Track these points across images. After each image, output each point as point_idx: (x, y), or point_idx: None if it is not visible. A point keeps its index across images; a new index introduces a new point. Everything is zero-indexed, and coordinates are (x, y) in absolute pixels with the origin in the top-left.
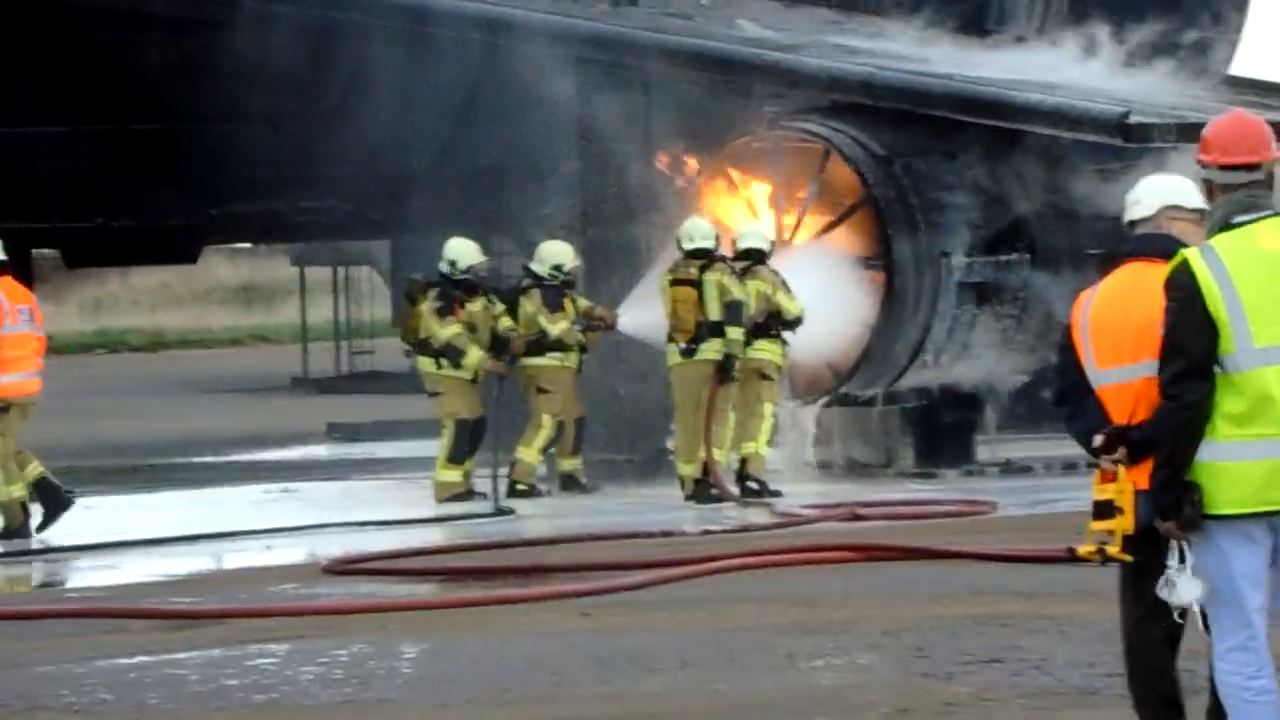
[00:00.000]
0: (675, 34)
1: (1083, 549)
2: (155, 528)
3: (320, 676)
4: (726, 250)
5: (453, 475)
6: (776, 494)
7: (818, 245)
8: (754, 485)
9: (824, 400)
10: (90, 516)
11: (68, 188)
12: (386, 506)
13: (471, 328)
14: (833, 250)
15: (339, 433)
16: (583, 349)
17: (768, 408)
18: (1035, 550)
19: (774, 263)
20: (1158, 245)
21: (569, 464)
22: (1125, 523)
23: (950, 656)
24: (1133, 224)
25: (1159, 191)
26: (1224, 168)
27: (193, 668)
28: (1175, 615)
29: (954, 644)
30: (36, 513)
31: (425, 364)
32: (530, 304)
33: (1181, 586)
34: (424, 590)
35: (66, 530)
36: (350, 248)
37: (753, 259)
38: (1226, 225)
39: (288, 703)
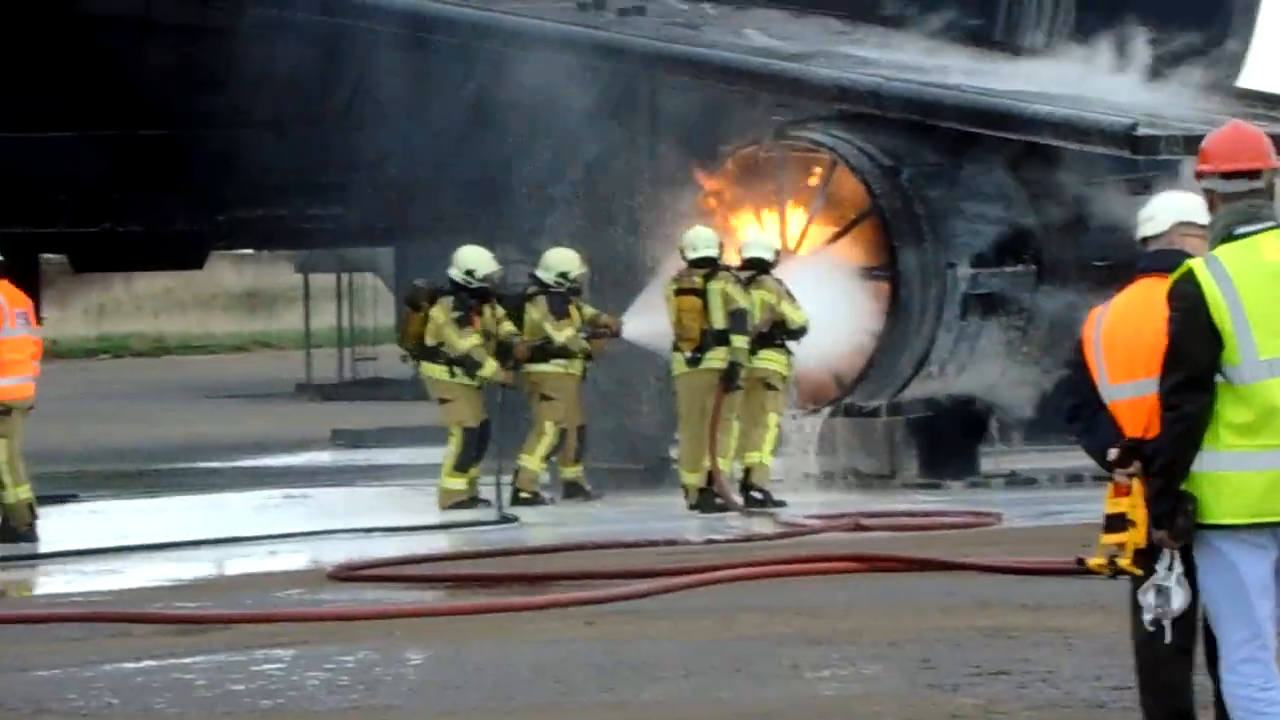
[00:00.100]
0: (682, 43)
1: (1093, 561)
2: (159, 532)
3: (326, 682)
4: (732, 259)
5: (458, 483)
6: (780, 504)
7: (823, 255)
8: (758, 495)
9: (828, 410)
10: (94, 521)
11: (75, 193)
12: (391, 513)
13: (484, 336)
14: (838, 260)
15: (343, 439)
16: (587, 356)
17: (772, 417)
18: (1041, 562)
19: (779, 272)
20: (1170, 261)
21: (571, 472)
22: (1137, 536)
23: (956, 668)
24: (1145, 240)
25: (1172, 208)
26: (1225, 176)
27: (199, 672)
28: (1148, 623)
29: (960, 655)
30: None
31: (435, 371)
32: (536, 311)
33: (1172, 595)
34: (429, 597)
35: (72, 534)
36: (354, 254)
37: (757, 268)
38: (1229, 236)
39: (294, 708)
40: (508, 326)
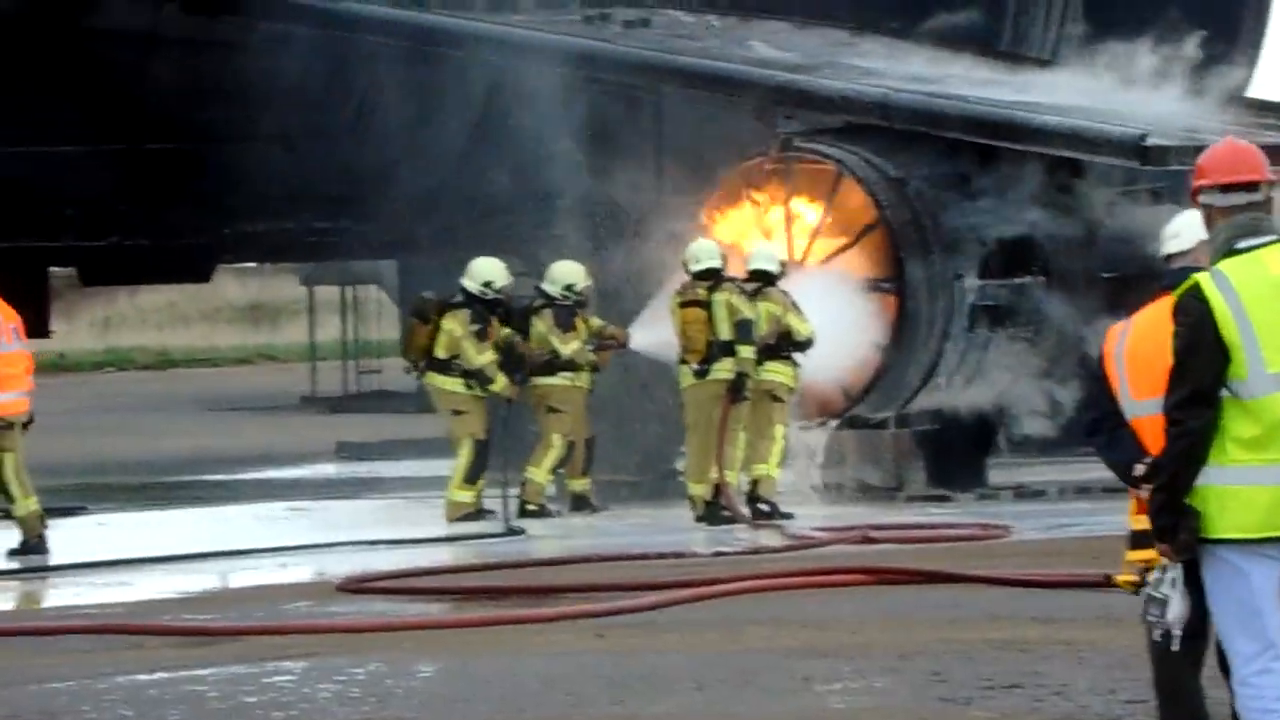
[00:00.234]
0: (687, 55)
1: (1120, 578)
2: (167, 545)
3: (338, 694)
4: (737, 271)
5: (467, 495)
6: (787, 516)
7: (830, 267)
8: (765, 507)
9: (835, 423)
10: (103, 533)
11: (83, 206)
12: (396, 525)
13: (497, 349)
14: (845, 272)
15: (348, 451)
16: (594, 369)
17: (779, 429)
18: (1052, 575)
19: (785, 284)
20: None
21: (579, 485)
22: None
23: (968, 681)
24: (1169, 257)
25: (1196, 225)
26: (1224, 189)
27: (211, 684)
28: (1158, 635)
29: (971, 669)
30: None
31: (448, 383)
32: (542, 324)
33: (1172, 607)
34: (437, 610)
35: (81, 547)
36: (358, 267)
37: (763, 280)
38: (1232, 250)
39: None
40: (505, 331)
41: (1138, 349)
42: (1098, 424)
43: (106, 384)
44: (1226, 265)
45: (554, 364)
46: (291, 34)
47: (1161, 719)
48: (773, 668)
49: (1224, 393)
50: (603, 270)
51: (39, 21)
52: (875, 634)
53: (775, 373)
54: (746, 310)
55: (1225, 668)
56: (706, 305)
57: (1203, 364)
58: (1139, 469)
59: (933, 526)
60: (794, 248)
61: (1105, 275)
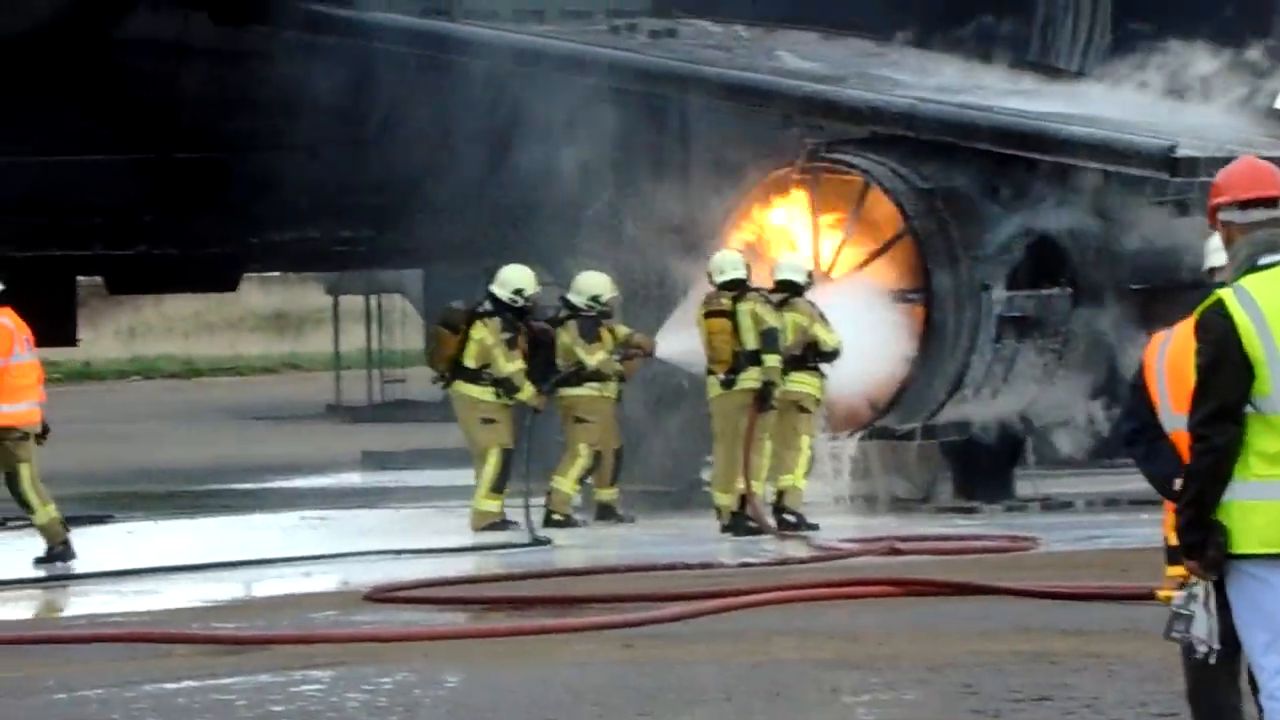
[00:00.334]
0: (714, 65)
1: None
2: (193, 554)
3: (366, 704)
4: (764, 282)
5: (493, 504)
6: (814, 527)
7: (856, 277)
8: (791, 518)
9: (861, 434)
10: (129, 541)
11: (110, 216)
12: (422, 535)
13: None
14: (872, 283)
15: (373, 460)
16: (621, 378)
17: (805, 440)
18: (1081, 587)
19: (812, 295)
20: None
21: (606, 494)
22: None
23: (998, 694)
24: (1213, 270)
25: None
26: (1243, 205)
27: (240, 693)
28: (1201, 654)
29: (1001, 681)
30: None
31: (478, 392)
32: (567, 335)
33: (1197, 623)
34: (464, 619)
35: (108, 555)
36: (383, 276)
37: (790, 291)
38: (1254, 267)
39: None
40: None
41: (1178, 361)
42: (1137, 435)
43: (132, 392)
44: (1249, 281)
45: (580, 374)
46: (318, 44)
47: None
48: (802, 679)
49: (1248, 409)
50: (628, 279)
51: (67, 32)
52: (904, 646)
53: (802, 383)
54: (772, 319)
55: (1254, 683)
56: (731, 315)
57: (1227, 380)
58: (1178, 484)
59: (960, 538)
60: (821, 258)
61: (1133, 287)
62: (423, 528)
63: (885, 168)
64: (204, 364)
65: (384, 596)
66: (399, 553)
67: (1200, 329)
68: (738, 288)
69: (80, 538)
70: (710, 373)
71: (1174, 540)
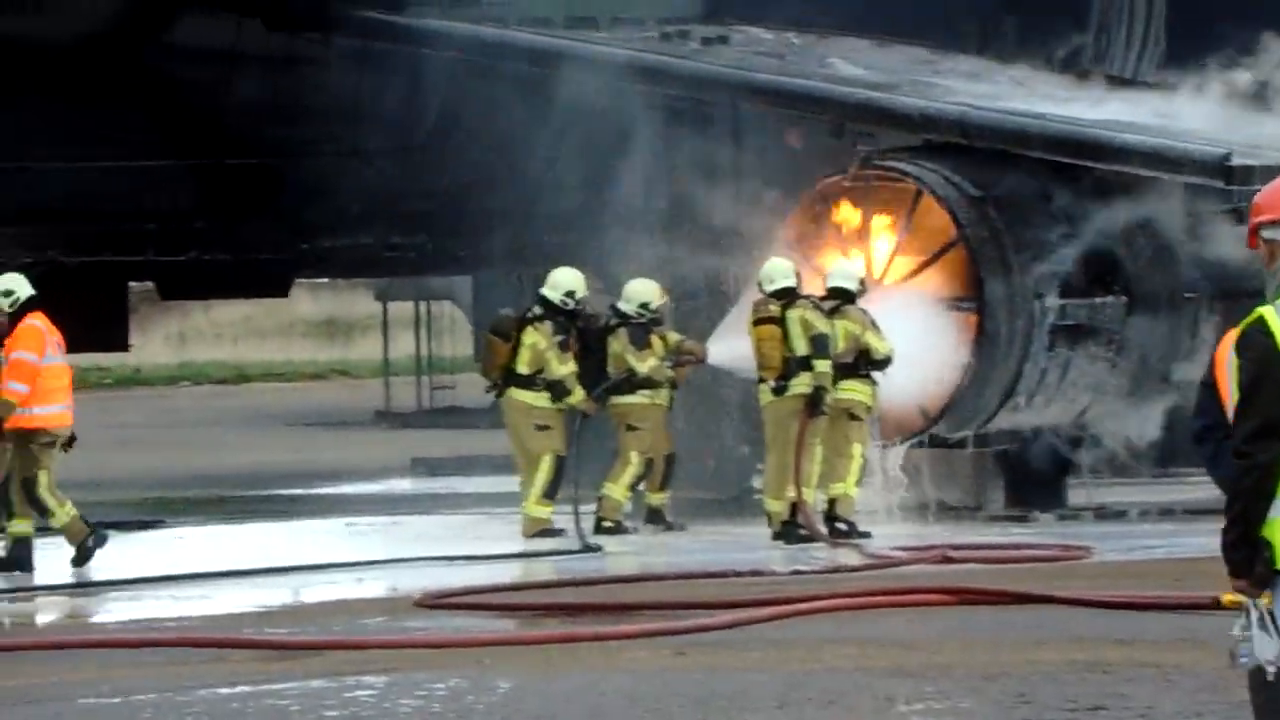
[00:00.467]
0: (766, 72)
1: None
2: (246, 559)
3: (419, 709)
4: (815, 289)
5: (545, 511)
6: (865, 535)
7: (908, 285)
8: (843, 526)
9: (913, 442)
10: (181, 546)
11: (163, 221)
12: (472, 541)
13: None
14: (924, 291)
15: (422, 467)
16: (673, 385)
17: (856, 448)
18: (1136, 596)
19: (864, 302)
20: None
21: (656, 499)
22: None
23: (1054, 703)
24: None
25: None
26: None
27: (293, 698)
28: (1271, 675)
29: (1055, 690)
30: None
31: (532, 398)
32: (617, 343)
33: (1259, 645)
34: (516, 626)
35: (159, 560)
36: (433, 283)
37: (842, 298)
38: None
39: None
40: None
41: None
42: (1205, 433)
43: (182, 398)
44: None
45: (632, 382)
46: (371, 50)
47: None
48: (856, 687)
49: None
50: (679, 286)
51: (121, 38)
52: (958, 654)
53: (853, 391)
54: (821, 325)
55: None
56: (781, 322)
57: (1269, 397)
58: None
59: (1013, 547)
60: (873, 266)
61: (1188, 295)
62: (472, 534)
63: (938, 175)
64: (254, 370)
65: (435, 603)
66: (450, 559)
67: (1241, 346)
68: (788, 296)
69: (132, 543)
70: (761, 380)
71: None
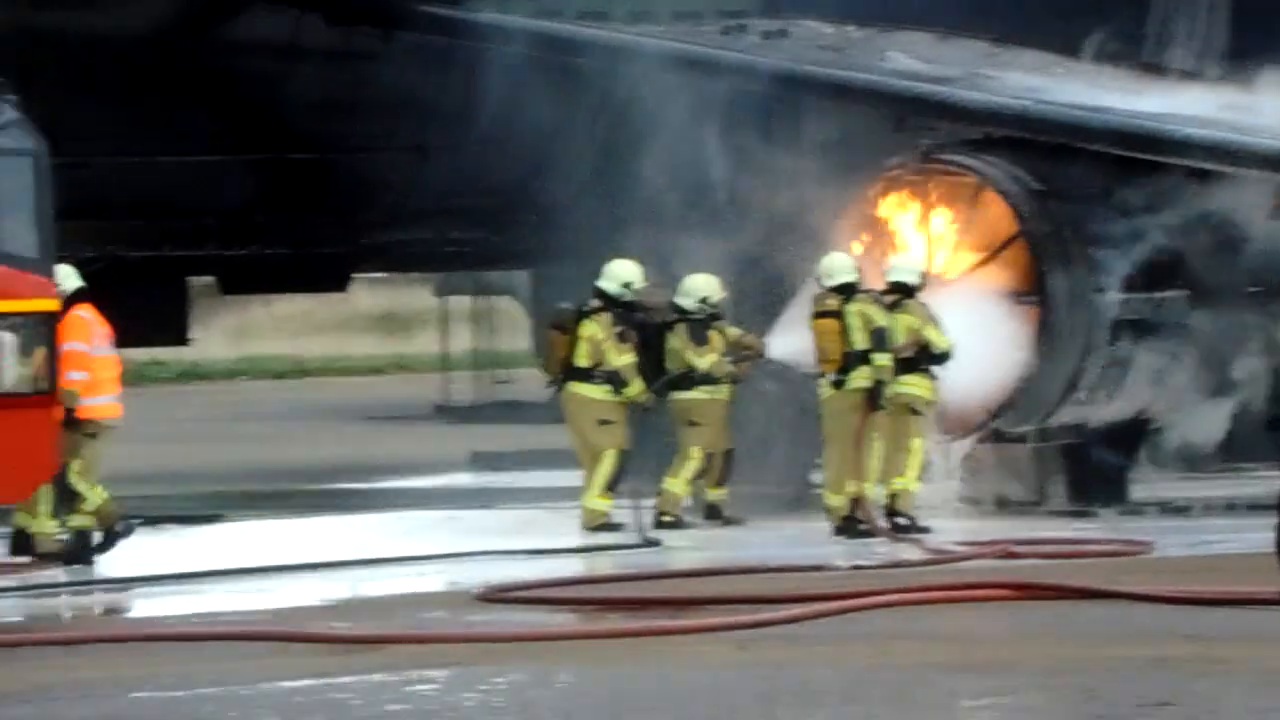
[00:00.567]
0: (826, 66)
1: None
2: (306, 553)
3: (482, 704)
4: (876, 283)
5: (606, 504)
6: (926, 530)
7: (969, 279)
8: (903, 521)
9: (974, 436)
10: (241, 540)
11: (223, 216)
12: (532, 535)
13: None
14: (985, 285)
15: (482, 461)
16: (733, 380)
17: (917, 443)
18: (1201, 591)
19: (924, 296)
20: None
21: (715, 494)
22: None
23: (1119, 699)
24: None
25: None
26: None
27: (355, 692)
28: None
29: (1122, 686)
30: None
31: (594, 391)
32: (677, 339)
33: None
34: (577, 620)
35: (220, 554)
36: (491, 278)
37: (902, 292)
38: None
39: None
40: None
41: None
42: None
43: (240, 392)
44: None
45: (692, 377)
46: (430, 45)
47: None
48: (921, 683)
49: None
50: (739, 280)
51: (181, 33)
52: (1023, 650)
53: (913, 386)
54: (881, 319)
55: None
56: (839, 316)
57: None
58: None
59: (1075, 542)
60: (933, 260)
61: (1251, 289)
62: (532, 528)
63: (999, 169)
64: (312, 364)
65: (497, 597)
66: (511, 553)
67: None
68: (848, 290)
69: (192, 536)
70: (820, 374)
71: None
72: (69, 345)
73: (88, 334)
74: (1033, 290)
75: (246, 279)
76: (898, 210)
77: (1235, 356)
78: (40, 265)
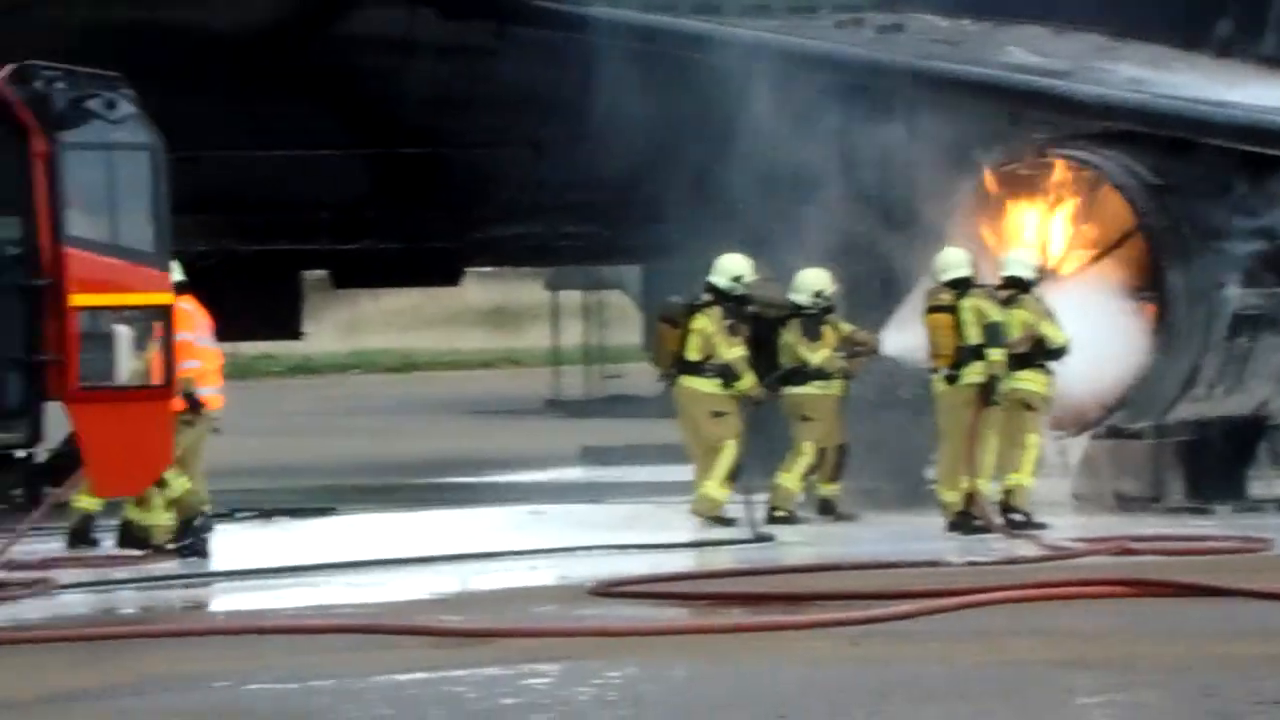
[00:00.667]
0: (941, 60)
1: None
2: (417, 546)
3: (595, 698)
4: (992, 278)
5: (724, 494)
6: (1042, 526)
7: (1086, 275)
8: (1018, 517)
9: (1091, 432)
10: (353, 534)
11: (336, 210)
12: (643, 530)
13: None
14: (1102, 280)
15: (592, 456)
16: (846, 376)
17: (1032, 438)
18: None
19: (1040, 291)
20: None
21: (828, 490)
22: None
23: (1239, 696)
24: None
25: None
26: None
27: (469, 685)
28: None
29: (1243, 684)
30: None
31: (705, 385)
32: (790, 334)
33: None
34: (689, 615)
35: (331, 547)
36: (602, 272)
37: (1017, 287)
38: None
39: None
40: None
41: None
42: None
43: (351, 386)
44: None
45: (805, 372)
46: (543, 39)
47: None
48: (1035, 680)
49: None
50: (853, 275)
51: (295, 27)
52: (1140, 647)
53: (1029, 381)
54: (995, 314)
55: None
56: (953, 310)
57: None
58: None
59: (1192, 539)
60: (1049, 254)
61: None
62: (643, 523)
63: (1116, 163)
64: (422, 358)
65: (609, 591)
66: (623, 547)
67: None
68: (963, 285)
69: (303, 530)
70: (933, 370)
71: None
72: (178, 336)
73: (191, 325)
74: (1150, 285)
75: (359, 273)
76: (1014, 205)
77: None
78: (156, 259)
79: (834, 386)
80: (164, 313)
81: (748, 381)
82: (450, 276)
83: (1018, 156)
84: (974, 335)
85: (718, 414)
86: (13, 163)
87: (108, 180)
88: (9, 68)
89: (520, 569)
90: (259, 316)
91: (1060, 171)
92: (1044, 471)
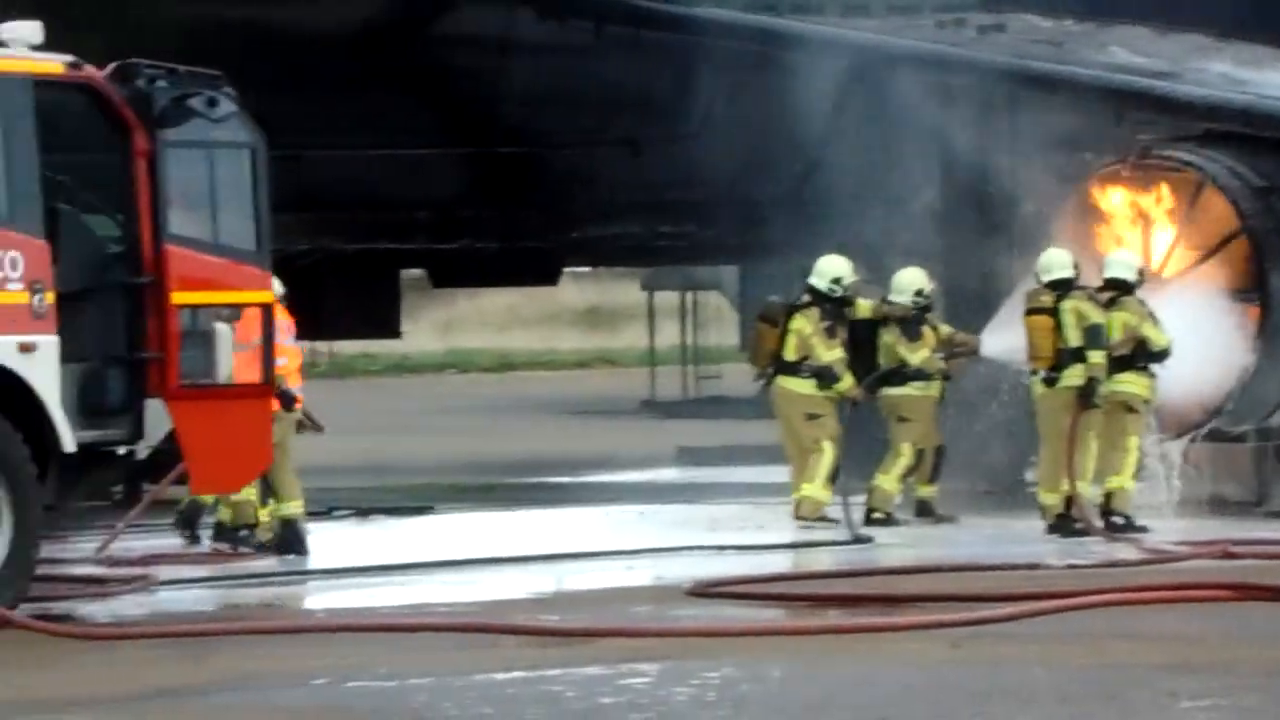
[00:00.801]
0: (1043, 60)
1: None
2: (514, 546)
3: (694, 698)
4: (1092, 280)
5: (827, 494)
6: (1143, 529)
7: (1189, 277)
8: (1119, 520)
9: (1193, 436)
10: (450, 533)
11: (434, 209)
12: (739, 531)
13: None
14: (1205, 282)
15: (688, 456)
16: (945, 377)
17: (1133, 441)
18: None
19: (1142, 293)
20: None
21: (926, 491)
22: None
23: None
24: None
25: None
26: None
27: (568, 685)
28: None
29: None
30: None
31: (801, 385)
32: (889, 334)
33: None
34: (787, 616)
35: (429, 546)
36: (698, 272)
37: (1119, 289)
38: None
39: None
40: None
41: None
42: None
43: (448, 385)
44: None
45: (903, 373)
46: (641, 39)
47: None
48: (1137, 683)
49: None
50: (953, 276)
51: (394, 27)
52: (1243, 651)
53: (1130, 383)
54: (1096, 316)
55: None
56: (1053, 312)
57: None
58: None
59: None
60: (1152, 256)
61: None
62: (739, 523)
63: (1220, 165)
64: (519, 358)
65: (707, 591)
66: (720, 548)
67: None
68: (1064, 287)
69: (401, 528)
70: (1033, 371)
71: None
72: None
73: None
74: (1254, 288)
75: (456, 272)
76: (1116, 206)
77: None
78: (257, 257)
79: (933, 388)
80: (265, 311)
81: (847, 383)
82: (547, 276)
83: (1121, 158)
84: (1074, 337)
85: (812, 415)
86: (115, 161)
87: (209, 178)
88: (111, 66)
89: (617, 569)
90: (358, 315)
91: (1164, 173)
92: (1146, 475)
